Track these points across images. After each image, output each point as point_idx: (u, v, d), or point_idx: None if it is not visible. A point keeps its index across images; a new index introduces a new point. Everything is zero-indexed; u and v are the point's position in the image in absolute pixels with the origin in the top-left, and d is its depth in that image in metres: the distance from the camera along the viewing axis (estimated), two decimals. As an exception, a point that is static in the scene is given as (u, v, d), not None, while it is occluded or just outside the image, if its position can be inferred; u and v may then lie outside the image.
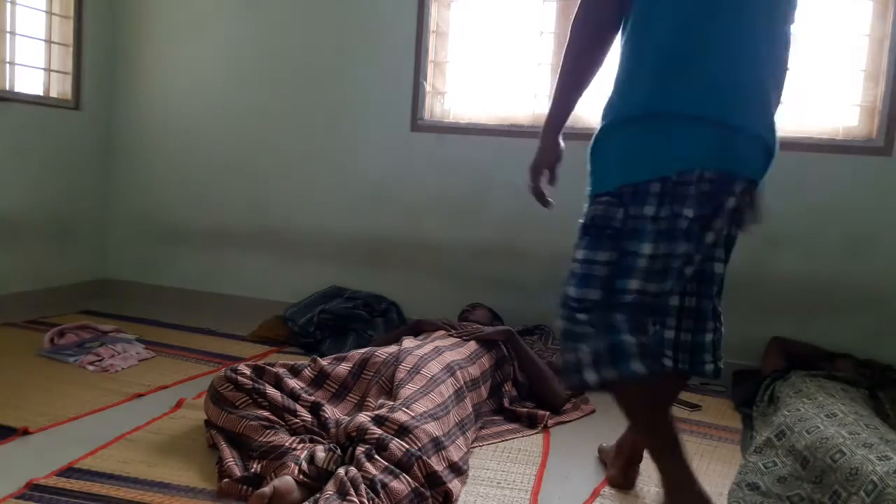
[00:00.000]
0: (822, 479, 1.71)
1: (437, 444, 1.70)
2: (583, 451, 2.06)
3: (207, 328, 3.17)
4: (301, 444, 1.73)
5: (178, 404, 2.19)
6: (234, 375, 1.92)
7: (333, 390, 2.07)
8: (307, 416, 1.87)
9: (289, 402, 1.89)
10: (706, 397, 2.64)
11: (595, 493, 1.79)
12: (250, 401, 1.87)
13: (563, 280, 1.56)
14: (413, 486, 1.56)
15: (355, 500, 1.46)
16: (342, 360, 2.16)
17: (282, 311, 3.17)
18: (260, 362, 2.05)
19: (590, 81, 1.58)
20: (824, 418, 1.95)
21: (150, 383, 2.38)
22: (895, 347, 2.64)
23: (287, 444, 1.73)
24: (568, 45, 1.54)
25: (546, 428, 2.22)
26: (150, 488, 1.64)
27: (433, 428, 1.73)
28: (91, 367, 2.51)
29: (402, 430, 1.67)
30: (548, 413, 2.28)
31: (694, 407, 2.51)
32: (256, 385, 1.90)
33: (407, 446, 1.62)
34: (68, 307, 3.35)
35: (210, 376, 2.51)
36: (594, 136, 1.53)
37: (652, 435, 1.55)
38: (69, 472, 1.70)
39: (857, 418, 1.94)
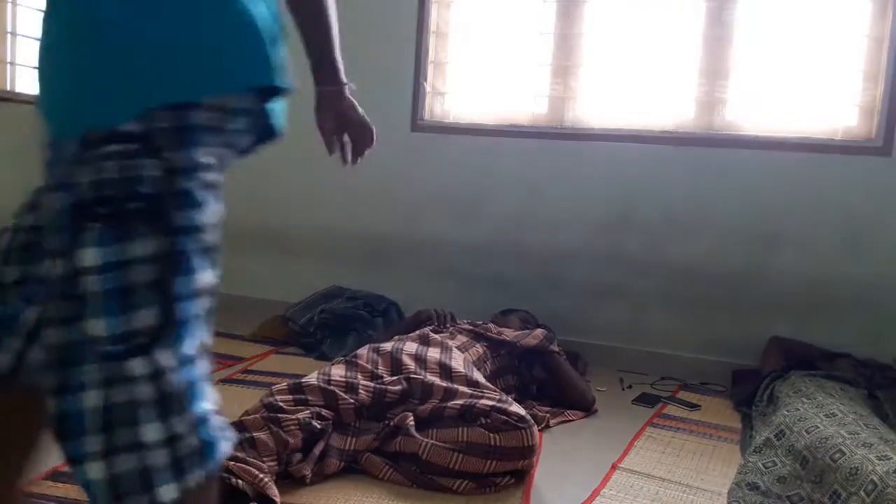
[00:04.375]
0: (821, 478, 1.72)
1: None
2: (581, 452, 2.07)
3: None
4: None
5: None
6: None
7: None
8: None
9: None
10: (705, 397, 2.64)
11: (595, 494, 1.79)
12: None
13: None
14: None
15: None
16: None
17: (282, 311, 3.16)
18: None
19: None
20: (824, 418, 1.95)
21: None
22: (894, 347, 2.65)
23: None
24: None
25: (546, 428, 2.21)
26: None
27: None
28: (92, 367, 2.50)
29: None
30: (549, 413, 2.28)
31: (693, 406, 2.51)
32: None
33: None
34: (69, 307, 3.35)
35: (211, 376, 2.51)
36: None
37: None
38: (55, 476, 1.68)
39: (857, 418, 1.94)
